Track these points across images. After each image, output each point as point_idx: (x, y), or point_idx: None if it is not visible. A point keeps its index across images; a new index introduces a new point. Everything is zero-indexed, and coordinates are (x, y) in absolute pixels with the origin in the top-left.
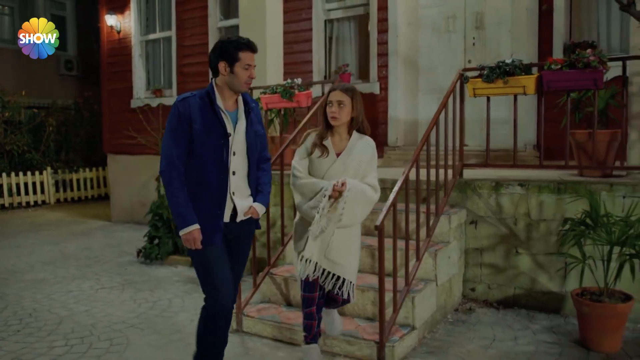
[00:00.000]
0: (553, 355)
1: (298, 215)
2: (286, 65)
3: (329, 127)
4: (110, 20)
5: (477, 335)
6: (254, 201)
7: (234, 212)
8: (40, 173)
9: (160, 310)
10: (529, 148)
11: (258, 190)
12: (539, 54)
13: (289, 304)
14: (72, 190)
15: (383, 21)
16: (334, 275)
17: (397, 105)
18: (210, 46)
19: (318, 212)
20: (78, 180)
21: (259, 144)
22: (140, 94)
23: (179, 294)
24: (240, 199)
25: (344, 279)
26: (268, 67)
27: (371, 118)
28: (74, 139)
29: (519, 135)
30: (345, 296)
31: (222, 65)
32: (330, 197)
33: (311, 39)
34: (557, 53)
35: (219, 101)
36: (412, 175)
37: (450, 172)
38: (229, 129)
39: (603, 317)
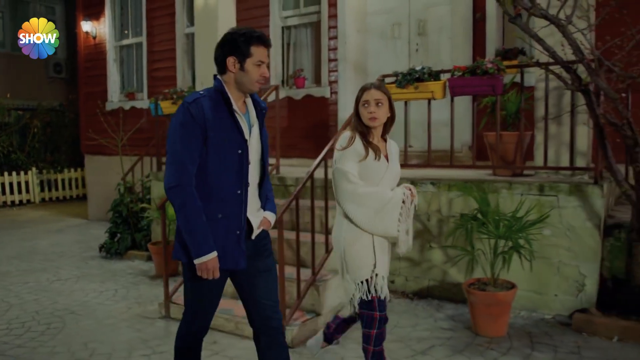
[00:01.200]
0: (443, 340)
1: (349, 230)
2: None
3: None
4: (86, 26)
5: None
6: (264, 210)
7: (249, 228)
8: (25, 173)
9: (104, 299)
10: (465, 149)
11: (265, 197)
12: (473, 59)
13: None
14: (56, 189)
15: (333, 28)
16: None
17: (346, 108)
18: (178, 52)
19: (400, 224)
20: (62, 180)
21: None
22: (115, 97)
23: (126, 285)
24: (253, 214)
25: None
26: None
27: (323, 121)
28: (58, 140)
29: (455, 136)
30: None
31: (230, 61)
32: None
33: None
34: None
35: (234, 102)
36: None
37: None
38: (246, 134)
39: (486, 304)
